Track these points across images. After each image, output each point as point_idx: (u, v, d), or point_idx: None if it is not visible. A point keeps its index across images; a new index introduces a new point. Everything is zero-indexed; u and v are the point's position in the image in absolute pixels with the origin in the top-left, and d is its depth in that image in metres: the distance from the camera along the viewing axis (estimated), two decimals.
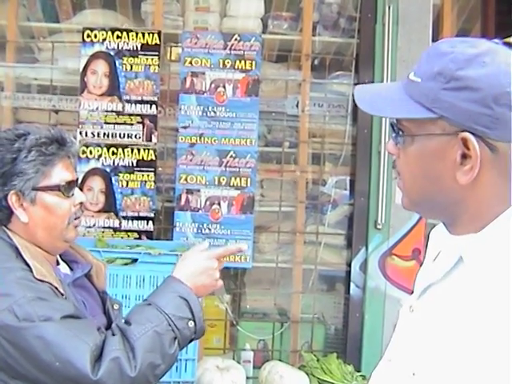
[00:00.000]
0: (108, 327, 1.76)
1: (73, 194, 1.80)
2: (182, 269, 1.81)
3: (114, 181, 3.64)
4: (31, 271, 1.65)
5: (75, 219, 1.82)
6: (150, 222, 3.64)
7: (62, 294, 1.68)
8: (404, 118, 1.13)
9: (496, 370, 0.95)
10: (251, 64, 3.69)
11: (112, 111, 3.65)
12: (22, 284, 1.61)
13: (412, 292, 1.25)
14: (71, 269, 1.90)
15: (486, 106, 1.03)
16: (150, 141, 3.66)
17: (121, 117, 3.65)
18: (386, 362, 1.23)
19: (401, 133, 1.14)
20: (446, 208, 1.13)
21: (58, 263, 1.87)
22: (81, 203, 1.84)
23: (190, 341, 1.77)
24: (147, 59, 3.67)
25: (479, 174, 1.06)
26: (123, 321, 1.71)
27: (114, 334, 1.63)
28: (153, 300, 1.73)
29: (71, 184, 1.80)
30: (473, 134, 1.05)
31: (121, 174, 3.64)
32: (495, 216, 1.08)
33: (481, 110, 1.03)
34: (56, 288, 1.67)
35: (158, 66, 3.68)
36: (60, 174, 1.77)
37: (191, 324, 1.71)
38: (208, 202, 3.66)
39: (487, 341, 0.97)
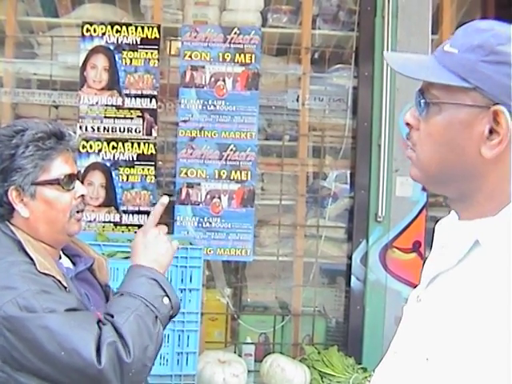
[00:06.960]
0: None
1: (73, 187, 1.81)
2: (135, 255, 1.83)
3: (114, 175, 3.64)
4: (34, 265, 1.66)
5: (77, 212, 1.83)
6: None
7: (66, 288, 1.69)
8: (436, 85, 1.11)
9: None
10: (251, 57, 3.69)
11: (112, 105, 3.65)
12: (26, 277, 1.62)
13: (415, 286, 1.23)
14: (73, 263, 1.91)
15: None
16: (150, 135, 3.66)
17: (121, 111, 3.65)
18: (391, 355, 1.22)
19: (429, 100, 1.12)
20: (462, 182, 1.12)
21: (60, 257, 1.88)
22: (82, 196, 1.84)
23: (170, 318, 1.80)
24: (147, 53, 3.66)
25: (504, 151, 1.06)
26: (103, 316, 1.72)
27: (104, 324, 1.65)
28: (124, 290, 1.75)
29: (71, 177, 1.80)
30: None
31: (121, 169, 3.64)
32: (508, 199, 1.07)
33: None
34: (59, 281, 1.68)
35: (158, 60, 3.68)
36: (59, 167, 1.78)
37: (166, 301, 1.74)
38: (208, 196, 3.66)
39: (507, 323, 0.97)
